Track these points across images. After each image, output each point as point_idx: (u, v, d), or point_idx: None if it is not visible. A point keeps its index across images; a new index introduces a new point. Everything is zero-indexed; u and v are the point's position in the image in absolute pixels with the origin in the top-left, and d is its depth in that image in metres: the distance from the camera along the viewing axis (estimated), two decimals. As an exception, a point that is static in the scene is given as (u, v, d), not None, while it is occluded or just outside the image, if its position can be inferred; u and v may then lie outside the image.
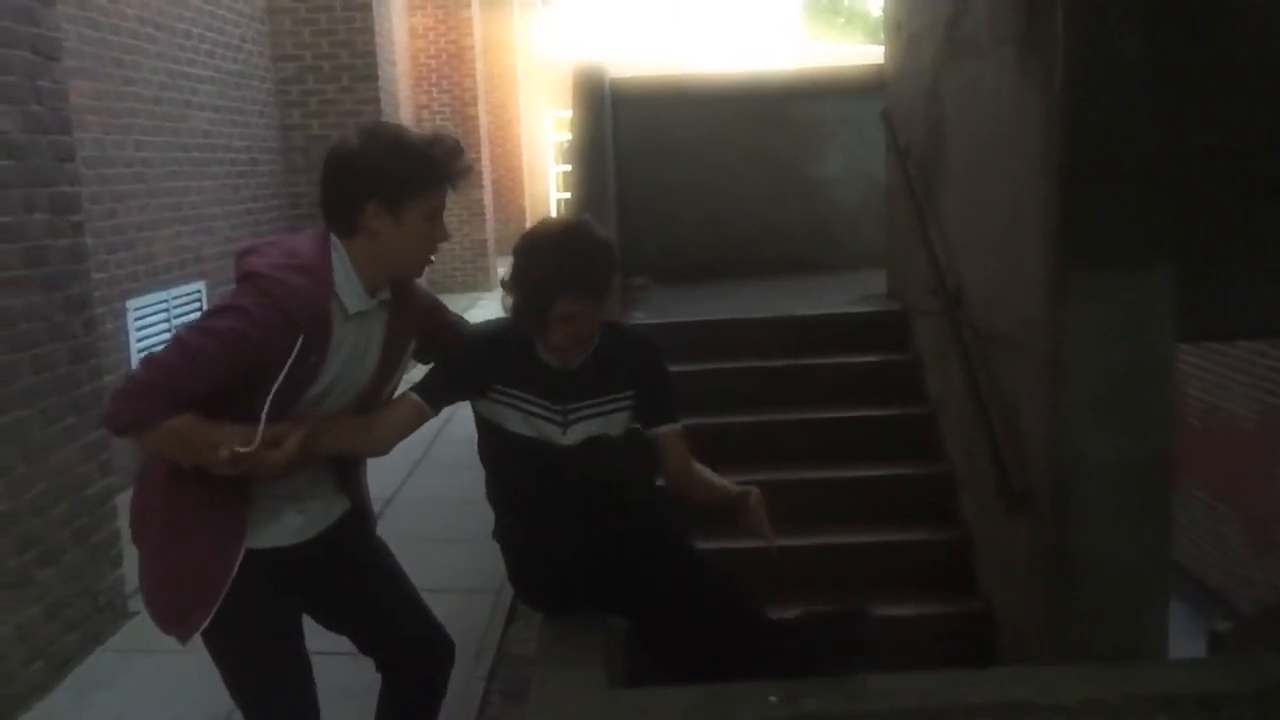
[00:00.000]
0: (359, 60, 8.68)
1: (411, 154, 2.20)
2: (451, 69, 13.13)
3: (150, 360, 2.18)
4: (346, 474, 2.51)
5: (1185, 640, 6.14)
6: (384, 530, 2.70)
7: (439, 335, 2.55)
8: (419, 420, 2.52)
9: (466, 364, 2.58)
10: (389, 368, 2.38)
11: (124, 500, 4.37)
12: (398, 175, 2.18)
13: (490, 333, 2.66)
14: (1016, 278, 3.80)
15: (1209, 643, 6.96)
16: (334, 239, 2.24)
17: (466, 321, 2.71)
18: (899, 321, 5.40)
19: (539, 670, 2.67)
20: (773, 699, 2.38)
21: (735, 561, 2.78)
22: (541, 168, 16.85)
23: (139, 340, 6.15)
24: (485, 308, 10.26)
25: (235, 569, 2.22)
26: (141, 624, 4.20)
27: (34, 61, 3.79)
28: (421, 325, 2.47)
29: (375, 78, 8.76)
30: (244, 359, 2.11)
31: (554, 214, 13.20)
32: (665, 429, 2.70)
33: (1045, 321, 3.55)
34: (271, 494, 2.30)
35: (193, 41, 7.17)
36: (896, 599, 4.27)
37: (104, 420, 2.19)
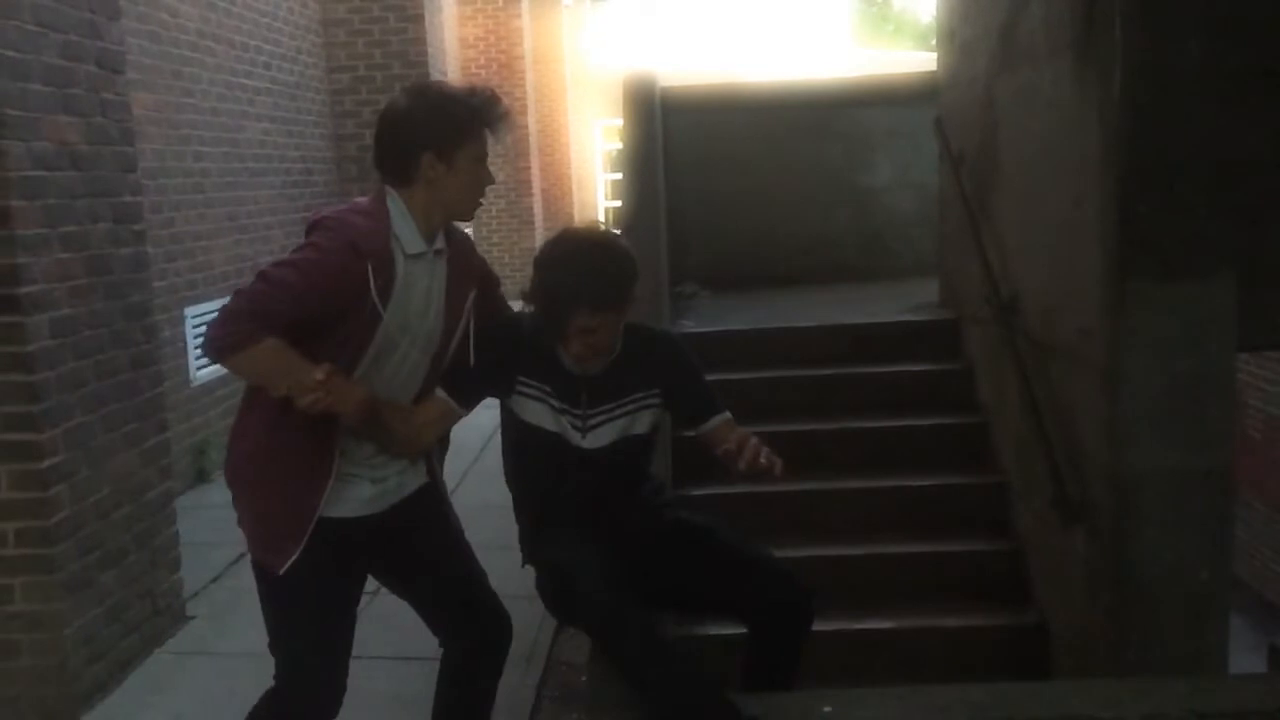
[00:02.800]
0: (411, 71, 8.74)
1: (456, 105, 2.42)
2: (502, 79, 13.24)
3: (238, 292, 2.34)
4: None
5: (1245, 655, 6.03)
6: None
7: (491, 299, 2.70)
8: (451, 417, 2.59)
9: (492, 356, 2.61)
10: (454, 315, 2.52)
11: (183, 504, 4.46)
12: (448, 125, 2.39)
13: (515, 326, 2.69)
14: (1073, 286, 3.75)
15: (1269, 658, 6.84)
16: (389, 190, 2.43)
17: (509, 307, 2.80)
18: (951, 330, 5.35)
19: (591, 677, 2.69)
20: (826, 709, 2.37)
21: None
22: (590, 176, 16.91)
23: (197, 347, 6.24)
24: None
25: (308, 532, 2.37)
26: (200, 627, 4.29)
27: (98, 75, 3.87)
28: (479, 280, 2.62)
29: (427, 88, 8.81)
30: (320, 286, 2.28)
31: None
32: (715, 421, 2.68)
33: (1103, 331, 3.51)
34: (352, 460, 2.45)
35: (250, 54, 7.28)
36: (949, 610, 4.25)
37: (205, 348, 2.34)
